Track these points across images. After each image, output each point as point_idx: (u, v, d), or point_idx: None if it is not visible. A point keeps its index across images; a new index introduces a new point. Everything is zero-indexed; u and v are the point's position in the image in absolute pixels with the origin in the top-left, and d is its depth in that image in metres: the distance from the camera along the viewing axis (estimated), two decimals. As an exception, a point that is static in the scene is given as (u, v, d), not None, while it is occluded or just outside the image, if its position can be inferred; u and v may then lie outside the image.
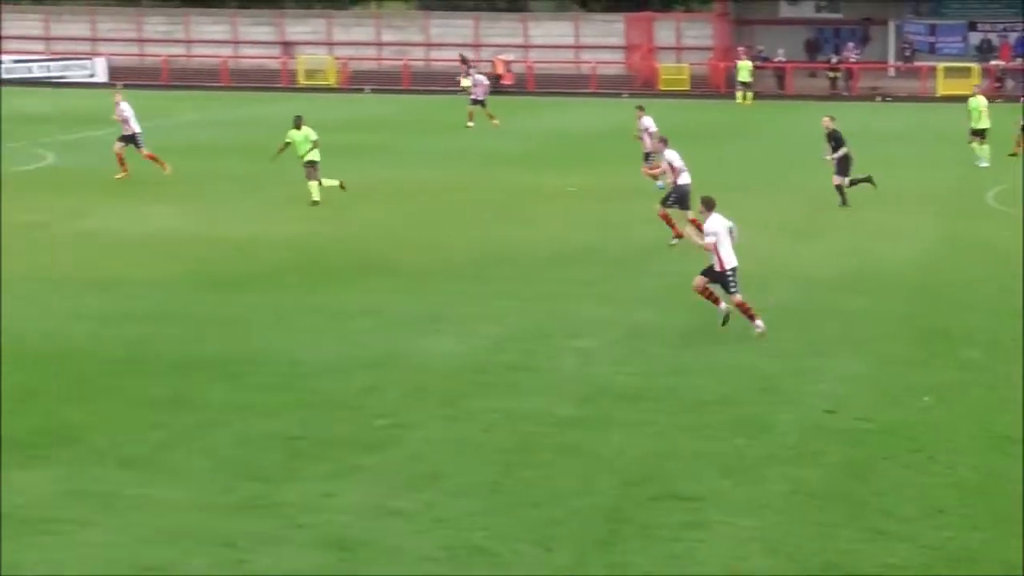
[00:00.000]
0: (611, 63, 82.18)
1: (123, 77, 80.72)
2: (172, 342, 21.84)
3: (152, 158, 40.08)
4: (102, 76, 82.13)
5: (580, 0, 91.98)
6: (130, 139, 40.04)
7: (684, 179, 30.33)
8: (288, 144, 35.87)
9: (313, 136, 35.56)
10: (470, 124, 57.16)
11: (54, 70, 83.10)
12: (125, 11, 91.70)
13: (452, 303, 24.71)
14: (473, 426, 17.75)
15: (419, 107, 68.91)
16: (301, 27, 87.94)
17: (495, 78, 78.42)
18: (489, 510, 14.85)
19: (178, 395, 18.94)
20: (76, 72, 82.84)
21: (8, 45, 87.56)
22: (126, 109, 40.07)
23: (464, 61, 68.96)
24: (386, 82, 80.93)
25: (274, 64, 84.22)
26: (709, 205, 22.41)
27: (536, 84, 79.28)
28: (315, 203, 34.99)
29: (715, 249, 21.92)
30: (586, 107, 67.49)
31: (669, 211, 30.20)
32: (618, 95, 73.84)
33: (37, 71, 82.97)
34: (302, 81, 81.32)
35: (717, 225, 22.11)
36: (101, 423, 17.66)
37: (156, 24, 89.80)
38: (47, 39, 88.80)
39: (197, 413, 18.14)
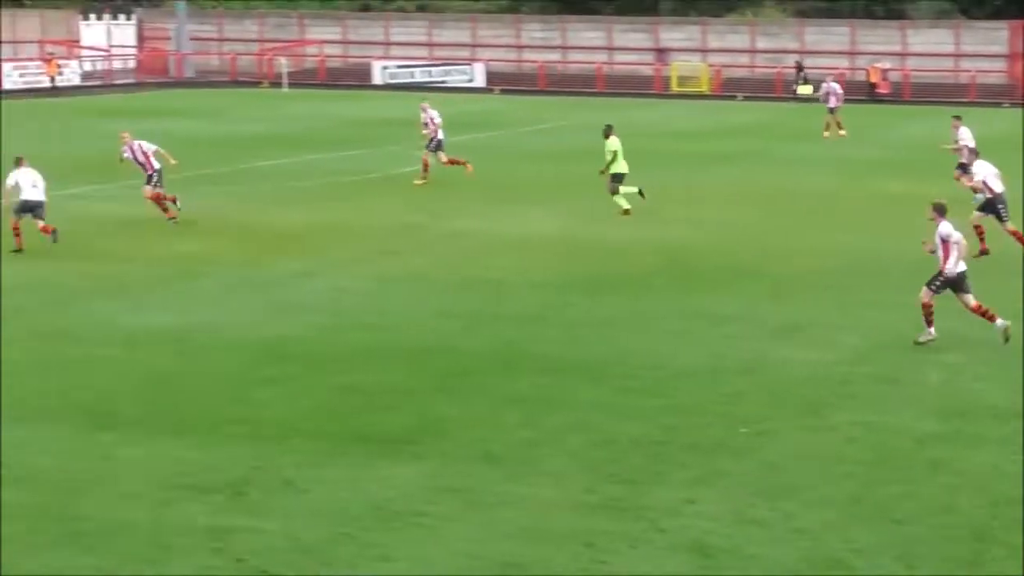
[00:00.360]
0: (992, 72, 79.86)
1: (500, 82, 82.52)
2: (541, 342, 22.22)
3: (453, 162, 41.13)
4: (480, 81, 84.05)
5: (962, 7, 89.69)
6: (437, 146, 41.09)
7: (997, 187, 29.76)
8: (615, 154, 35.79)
9: (616, 146, 35.35)
10: (826, 134, 56.56)
11: (435, 75, 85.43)
12: (504, 18, 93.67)
13: (816, 311, 24.48)
14: (834, 437, 17.51)
15: (788, 115, 68.28)
16: (676, 34, 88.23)
17: (870, 86, 77.14)
18: (849, 523, 14.62)
19: (545, 395, 19.25)
20: (456, 77, 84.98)
21: (394, 51, 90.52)
22: (435, 116, 41.09)
23: (799, 68, 68.07)
24: (759, 89, 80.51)
25: (647, 70, 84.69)
26: (941, 211, 22.12)
27: (912, 93, 77.64)
28: (626, 212, 34.92)
29: (950, 251, 21.68)
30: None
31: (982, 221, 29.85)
32: (998, 104, 71.72)
33: (419, 76, 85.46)
34: (675, 87, 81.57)
35: (951, 228, 21.88)
36: (469, 420, 18.08)
37: (533, 31, 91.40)
38: (430, 45, 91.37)
39: (563, 413, 18.41)
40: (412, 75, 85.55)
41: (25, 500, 15.02)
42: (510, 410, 18.51)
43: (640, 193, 35.52)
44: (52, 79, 77.52)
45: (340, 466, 16.30)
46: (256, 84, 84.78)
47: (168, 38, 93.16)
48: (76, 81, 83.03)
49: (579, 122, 62.44)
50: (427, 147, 41.16)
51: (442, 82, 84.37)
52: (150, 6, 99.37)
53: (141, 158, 33.55)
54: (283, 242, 31.24)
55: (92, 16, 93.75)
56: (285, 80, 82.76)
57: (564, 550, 13.92)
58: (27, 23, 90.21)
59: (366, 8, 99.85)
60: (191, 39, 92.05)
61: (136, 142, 33.84)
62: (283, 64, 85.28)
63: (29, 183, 30.41)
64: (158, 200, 33.53)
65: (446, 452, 16.82)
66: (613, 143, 35.40)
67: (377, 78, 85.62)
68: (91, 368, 20.53)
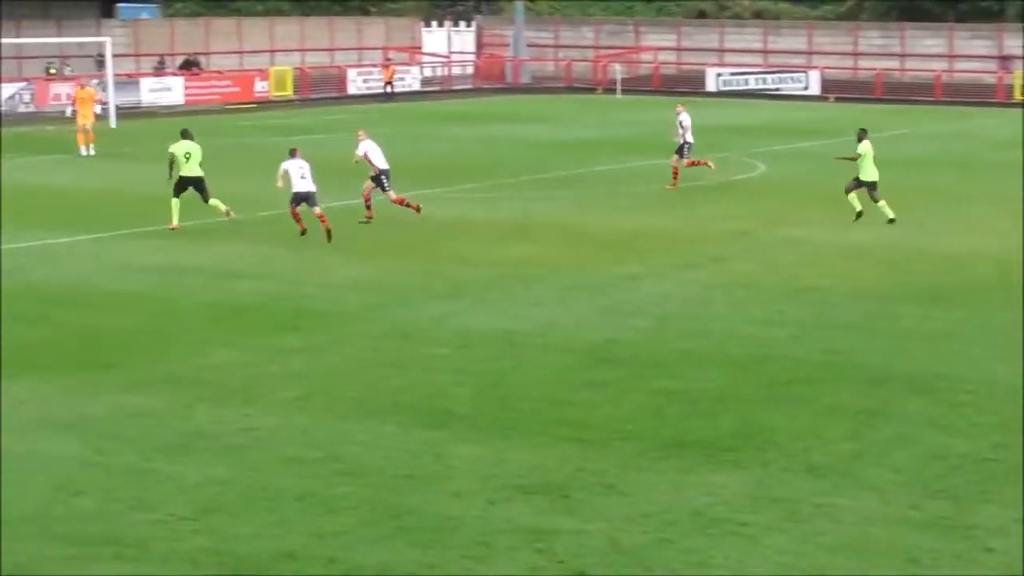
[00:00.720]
0: None
1: (835, 90, 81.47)
2: (868, 353, 21.91)
3: (694, 164, 41.51)
4: (815, 89, 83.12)
5: None
6: (682, 149, 41.27)
7: None
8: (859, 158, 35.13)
9: (870, 151, 34.55)
10: None
11: (769, 82, 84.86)
12: (842, 25, 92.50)
13: None
14: None
15: None
16: (1021, 41, 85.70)
17: None
18: None
19: (871, 407, 18.97)
20: (790, 84, 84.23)
21: (728, 58, 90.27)
22: (685, 120, 41.11)
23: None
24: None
25: (989, 78, 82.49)
26: None
27: None
28: (891, 221, 34.11)
29: None
30: None
31: None
32: None
33: (753, 83, 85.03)
34: (1018, 96, 79.23)
35: None
36: (792, 430, 17.94)
37: (872, 38, 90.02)
38: (765, 52, 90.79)
39: (890, 426, 18.12)
40: (746, 82, 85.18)
41: (357, 494, 15.53)
42: (834, 421, 18.32)
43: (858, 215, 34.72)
44: (389, 84, 79.67)
45: (661, 471, 16.40)
46: (591, 90, 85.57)
47: (506, 44, 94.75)
48: (416, 87, 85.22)
49: (922, 131, 61.24)
50: (676, 152, 41.37)
51: (776, 89, 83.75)
52: (490, 13, 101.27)
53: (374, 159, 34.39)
54: (614, 246, 31.53)
55: (434, 23, 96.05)
56: (619, 86, 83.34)
57: (885, 566, 13.72)
58: (372, 30, 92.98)
59: (702, 15, 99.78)
60: (528, 45, 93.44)
61: (368, 140, 34.69)
62: (617, 71, 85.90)
63: (298, 174, 32.00)
64: (401, 203, 34.49)
65: (768, 461, 16.75)
66: (864, 147, 34.73)
67: (711, 85, 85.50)
68: (424, 367, 21.09)
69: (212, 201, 33.28)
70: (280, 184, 32.48)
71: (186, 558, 13.73)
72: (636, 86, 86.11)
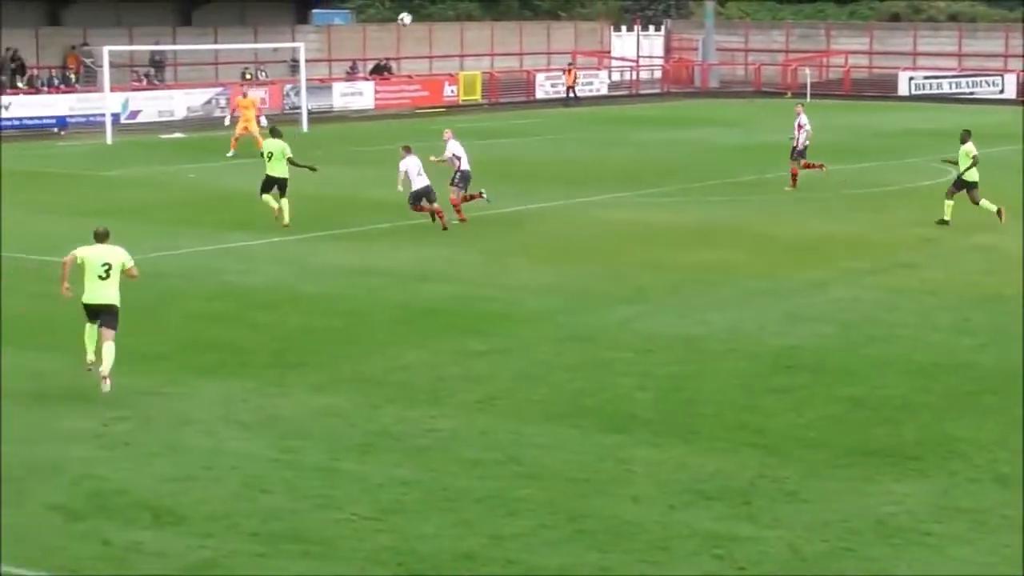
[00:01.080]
0: None
1: (1032, 93, 79.85)
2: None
3: (809, 167, 41.23)
4: (1011, 92, 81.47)
5: None
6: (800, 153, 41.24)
7: None
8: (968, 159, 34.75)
9: (973, 152, 34.32)
10: None
11: (963, 86, 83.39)
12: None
13: None
14: None
15: None
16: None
17: None
18: None
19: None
20: (985, 88, 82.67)
21: (921, 62, 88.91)
22: (805, 123, 40.91)
23: None
24: None
25: None
26: None
27: None
28: (943, 222, 34.06)
29: None
30: None
31: None
32: None
33: (947, 87, 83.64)
34: None
35: None
36: (979, 440, 17.67)
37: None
38: (959, 55, 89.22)
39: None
40: (939, 86, 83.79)
41: (538, 497, 15.65)
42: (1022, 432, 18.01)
43: (998, 213, 34.54)
44: (571, 89, 79.81)
45: (843, 479, 16.27)
46: (779, 94, 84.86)
47: (694, 49, 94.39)
48: (603, 91, 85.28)
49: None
50: (791, 156, 41.32)
51: (970, 93, 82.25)
52: (680, 17, 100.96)
53: (450, 158, 34.47)
54: (799, 251, 31.31)
55: (623, 28, 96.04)
56: (808, 90, 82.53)
57: (1072, 579, 13.49)
58: (562, 34, 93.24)
59: (895, 18, 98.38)
60: (717, 49, 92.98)
61: (455, 141, 34.76)
62: (807, 74, 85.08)
63: (415, 171, 32.89)
64: (455, 204, 34.40)
65: (953, 471, 16.53)
66: (968, 149, 34.28)
67: (903, 89, 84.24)
68: (606, 371, 21.16)
69: (283, 201, 34.06)
70: (400, 188, 33.32)
71: (369, 557, 13.96)
72: (826, 90, 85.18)
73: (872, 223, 35.30)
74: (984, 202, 34.43)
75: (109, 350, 19.42)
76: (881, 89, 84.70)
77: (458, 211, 34.30)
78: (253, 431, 18.16)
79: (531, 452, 17.25)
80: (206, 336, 23.30)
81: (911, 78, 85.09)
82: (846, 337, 23.35)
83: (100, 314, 19.66)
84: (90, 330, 19.68)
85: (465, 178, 34.44)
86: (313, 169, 35.62)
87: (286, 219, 33.79)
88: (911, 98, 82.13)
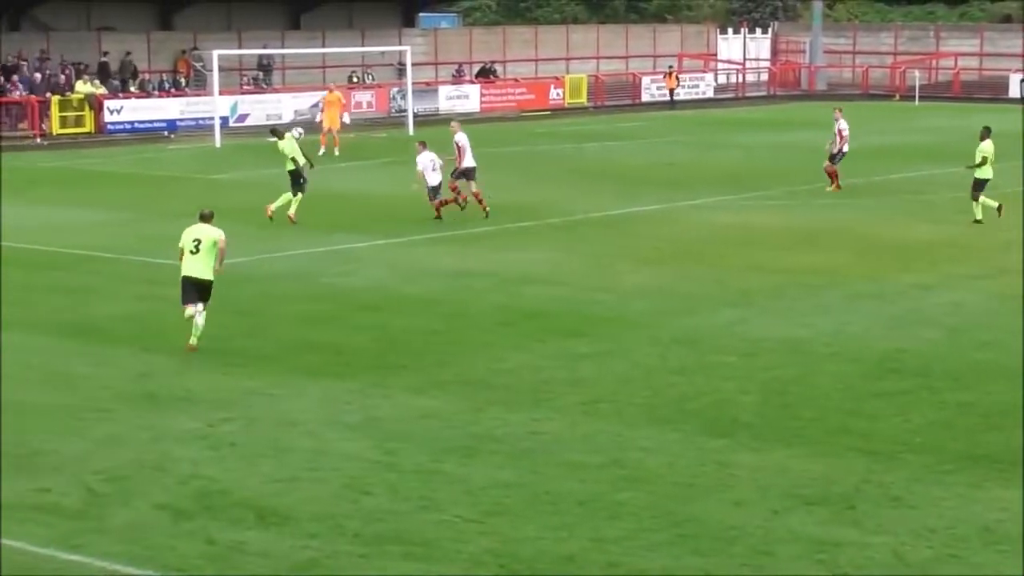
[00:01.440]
0: None
1: None
2: None
3: (831, 174, 41.53)
4: None
5: None
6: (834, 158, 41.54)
7: None
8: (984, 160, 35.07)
9: (984, 152, 34.70)
10: None
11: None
12: None
13: None
14: None
15: None
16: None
17: None
18: None
19: None
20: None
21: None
22: (844, 128, 41.25)
23: None
24: None
25: None
26: None
27: None
28: (977, 222, 34.43)
29: None
30: None
31: None
32: None
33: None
34: None
35: None
36: (1090, 446, 17.44)
37: None
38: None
39: None
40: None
41: (640, 500, 15.62)
42: None
43: (998, 209, 35.01)
44: (671, 92, 79.56)
45: (950, 484, 16.09)
46: (888, 97, 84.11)
47: (802, 51, 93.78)
48: (709, 94, 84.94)
49: None
50: (831, 158, 41.40)
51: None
52: (787, 19, 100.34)
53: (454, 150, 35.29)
54: (905, 255, 31.03)
55: (730, 30, 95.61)
56: (917, 93, 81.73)
57: None
58: (668, 37, 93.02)
59: (1007, 19, 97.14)
60: (824, 52, 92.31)
61: (461, 133, 35.47)
62: (916, 77, 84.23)
63: (430, 166, 34.05)
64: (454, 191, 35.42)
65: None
66: (986, 147, 34.60)
67: (1014, 91, 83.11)
68: (710, 375, 21.08)
69: (295, 196, 34.97)
70: (415, 187, 34.49)
71: (471, 559, 14.00)
72: (935, 92, 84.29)
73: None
74: (984, 199, 35.05)
75: (199, 320, 21.66)
76: (991, 91, 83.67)
77: (442, 206, 35.08)
78: (356, 432, 18.26)
79: (633, 455, 17.22)
80: (310, 337, 23.48)
81: (1022, 80, 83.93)
82: (953, 341, 23.11)
83: (193, 287, 21.66)
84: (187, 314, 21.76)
85: (464, 174, 34.97)
86: (311, 165, 36.55)
87: (271, 210, 34.88)
88: (1022, 100, 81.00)
